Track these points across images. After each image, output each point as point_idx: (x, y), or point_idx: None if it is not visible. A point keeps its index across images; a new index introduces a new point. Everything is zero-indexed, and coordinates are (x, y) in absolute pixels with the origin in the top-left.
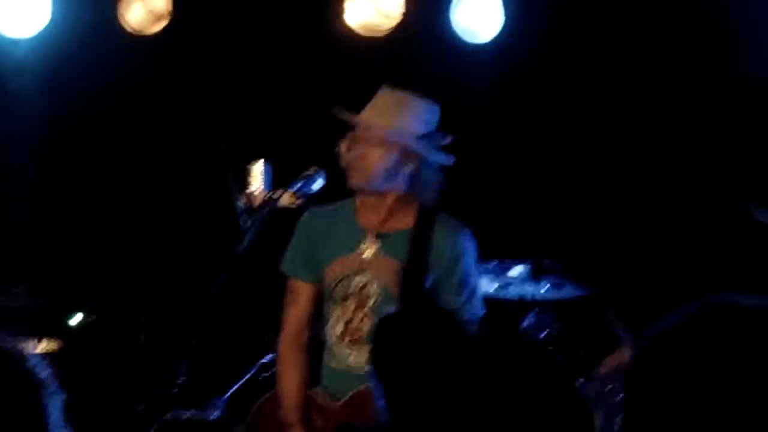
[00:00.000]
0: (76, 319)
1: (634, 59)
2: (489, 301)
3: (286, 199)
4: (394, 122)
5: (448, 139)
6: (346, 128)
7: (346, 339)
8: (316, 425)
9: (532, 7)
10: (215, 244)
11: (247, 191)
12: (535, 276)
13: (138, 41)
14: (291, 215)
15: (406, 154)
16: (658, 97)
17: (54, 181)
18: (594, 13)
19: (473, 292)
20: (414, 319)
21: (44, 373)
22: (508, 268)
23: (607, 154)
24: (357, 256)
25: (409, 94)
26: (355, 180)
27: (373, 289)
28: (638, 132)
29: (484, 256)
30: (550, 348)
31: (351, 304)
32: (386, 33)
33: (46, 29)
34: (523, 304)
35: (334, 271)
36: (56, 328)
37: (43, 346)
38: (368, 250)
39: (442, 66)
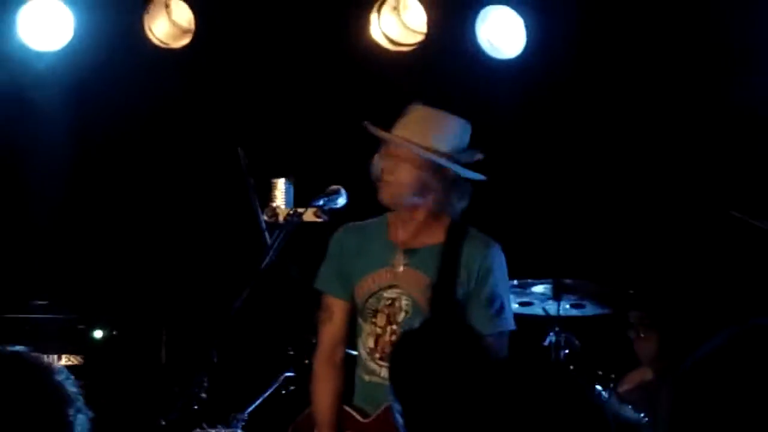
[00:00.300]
0: (99, 334)
1: (659, 72)
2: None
3: (309, 215)
4: (426, 139)
5: (479, 156)
6: (371, 145)
7: (377, 354)
8: None
9: (557, 22)
10: (238, 258)
11: (271, 206)
12: (556, 294)
13: (163, 54)
14: (314, 231)
15: (437, 171)
16: (684, 112)
17: (78, 194)
18: (617, 26)
19: (503, 306)
20: (434, 336)
21: (72, 388)
22: (530, 286)
23: (635, 171)
24: (387, 271)
25: (441, 111)
26: (385, 196)
27: (403, 303)
28: (666, 148)
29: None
30: (571, 366)
31: (381, 319)
32: (412, 48)
33: (72, 42)
34: (544, 322)
35: (365, 286)
36: (79, 343)
37: (66, 361)
38: (398, 266)
39: (467, 81)
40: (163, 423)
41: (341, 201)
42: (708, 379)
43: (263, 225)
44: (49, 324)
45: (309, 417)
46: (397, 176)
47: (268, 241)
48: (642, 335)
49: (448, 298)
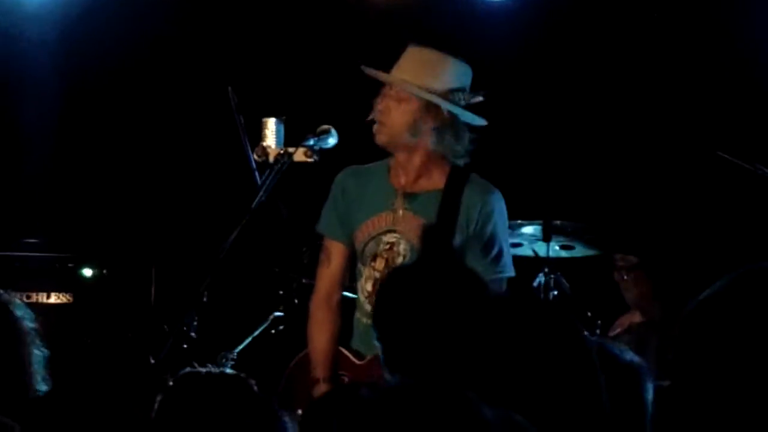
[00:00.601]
0: (88, 272)
1: (654, 13)
2: None
3: (299, 155)
4: (420, 78)
5: (478, 98)
6: (362, 86)
7: (375, 297)
8: (344, 382)
9: None
10: (229, 198)
11: (261, 146)
12: (545, 235)
13: None
14: (305, 171)
15: (429, 108)
16: (676, 52)
17: (69, 133)
18: None
19: (501, 252)
20: (417, 274)
21: (30, 324)
22: (520, 227)
23: (627, 113)
24: (387, 215)
25: (440, 52)
26: (380, 137)
27: (401, 248)
28: (658, 89)
29: None
30: (561, 307)
31: (380, 263)
32: None
33: None
34: (533, 264)
35: (364, 230)
36: (69, 281)
37: (55, 299)
38: (398, 210)
39: (461, 22)
40: (153, 362)
41: (332, 141)
42: (712, 320)
43: (253, 164)
44: (39, 262)
45: (305, 358)
46: (391, 117)
47: (259, 180)
48: (626, 278)
49: (446, 243)
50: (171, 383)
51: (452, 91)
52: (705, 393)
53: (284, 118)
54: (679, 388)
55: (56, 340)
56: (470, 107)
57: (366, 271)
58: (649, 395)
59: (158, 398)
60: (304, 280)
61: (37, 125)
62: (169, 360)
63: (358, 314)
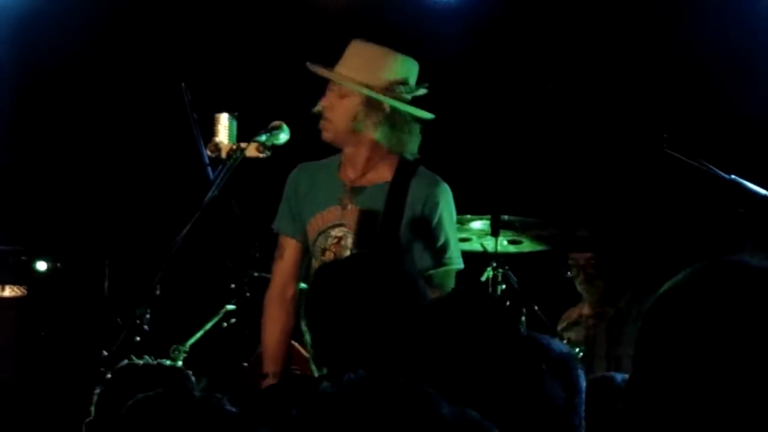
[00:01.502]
0: (42, 265)
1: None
2: None
3: (251, 150)
4: (358, 73)
5: (421, 91)
6: (312, 82)
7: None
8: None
9: None
10: (181, 192)
11: (213, 141)
12: (494, 230)
13: None
14: (256, 166)
15: (370, 103)
16: (626, 47)
17: (22, 126)
18: None
19: (448, 243)
20: (348, 268)
21: None
22: (469, 222)
23: (575, 107)
24: (335, 209)
25: (382, 47)
26: (326, 134)
27: (349, 242)
28: (607, 84)
29: None
30: (508, 302)
31: (329, 257)
32: None
33: None
34: (482, 258)
35: (314, 224)
36: (22, 274)
37: (9, 292)
38: (346, 204)
39: (409, 19)
40: (105, 354)
41: (283, 137)
42: (674, 314)
43: (206, 159)
44: None
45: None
46: (335, 113)
47: (211, 175)
48: (581, 273)
49: (392, 236)
50: (109, 376)
51: (393, 84)
52: (667, 387)
53: (236, 113)
54: (640, 382)
55: (10, 333)
56: (415, 101)
57: (316, 265)
58: (582, 384)
59: (96, 391)
60: (255, 274)
61: None
62: (122, 353)
63: None
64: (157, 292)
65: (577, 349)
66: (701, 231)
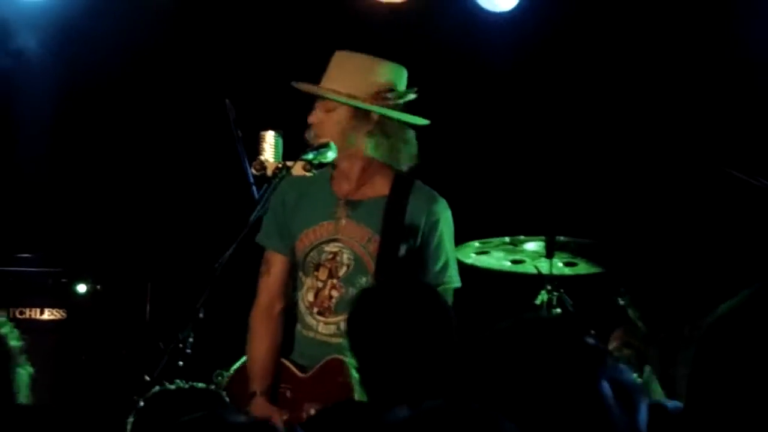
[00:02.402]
0: (82, 288)
1: (656, 26)
2: (503, 276)
3: (298, 168)
4: (342, 85)
5: (410, 96)
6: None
7: (315, 308)
8: (284, 395)
9: None
10: (226, 212)
11: (259, 159)
12: (548, 252)
13: (150, 3)
14: None
15: (357, 114)
16: (681, 66)
17: (65, 145)
18: None
19: (447, 262)
20: (392, 294)
21: (15, 343)
22: (523, 244)
23: (631, 127)
24: (329, 224)
25: (362, 55)
26: None
27: (345, 257)
28: (659, 105)
29: (499, 232)
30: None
31: (323, 273)
32: (406, 0)
33: None
34: (536, 281)
35: (305, 240)
36: (63, 297)
37: (49, 315)
38: (340, 218)
39: (460, 35)
40: (148, 379)
41: (330, 155)
42: (731, 338)
43: (251, 178)
44: (33, 277)
45: (243, 371)
46: (324, 128)
47: (256, 195)
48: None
49: (392, 253)
50: (141, 403)
51: (380, 92)
52: (723, 412)
53: (282, 131)
54: (696, 407)
55: (49, 357)
56: (407, 107)
57: (308, 282)
58: (644, 418)
59: (129, 419)
60: None
61: (32, 139)
62: (164, 377)
63: (299, 326)
64: (201, 315)
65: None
66: (758, 252)
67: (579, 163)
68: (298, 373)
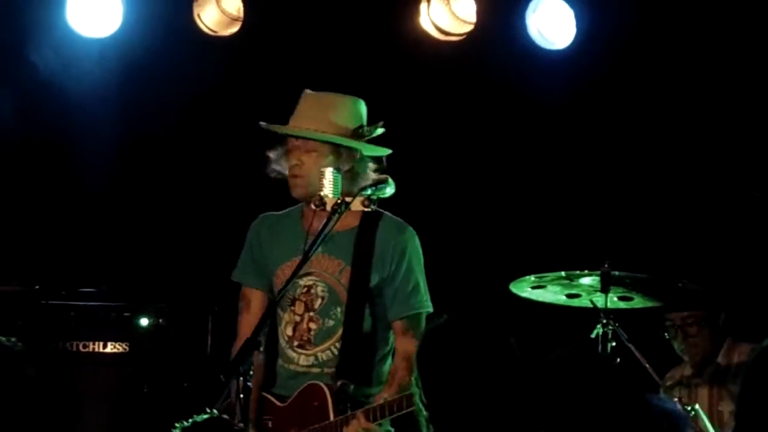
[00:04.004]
0: (144, 322)
1: (711, 63)
2: (558, 310)
3: (356, 204)
4: (321, 124)
5: (379, 130)
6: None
7: (295, 342)
8: (267, 426)
9: (609, 12)
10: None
11: (318, 195)
12: (604, 286)
13: (212, 42)
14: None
15: (340, 152)
16: (739, 101)
17: (127, 182)
18: (668, 18)
19: (418, 287)
20: (459, 335)
21: (30, 372)
22: (578, 278)
23: (686, 162)
24: (300, 259)
25: (332, 93)
26: (297, 189)
27: (319, 290)
28: (719, 139)
29: (555, 266)
30: (618, 359)
31: (299, 307)
32: (461, 38)
33: (120, 29)
34: (592, 315)
35: (281, 275)
36: (125, 330)
37: (111, 348)
38: (312, 252)
39: (516, 72)
40: (209, 411)
41: (389, 190)
42: None
43: None
44: (96, 311)
45: (229, 406)
46: (305, 169)
47: None
48: (689, 334)
49: (363, 283)
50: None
51: (357, 129)
52: None
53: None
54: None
55: (112, 390)
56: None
57: (286, 316)
58: None
59: None
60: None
61: (95, 174)
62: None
63: (280, 360)
64: (261, 348)
65: (689, 408)
66: None
67: (634, 198)
68: (278, 403)
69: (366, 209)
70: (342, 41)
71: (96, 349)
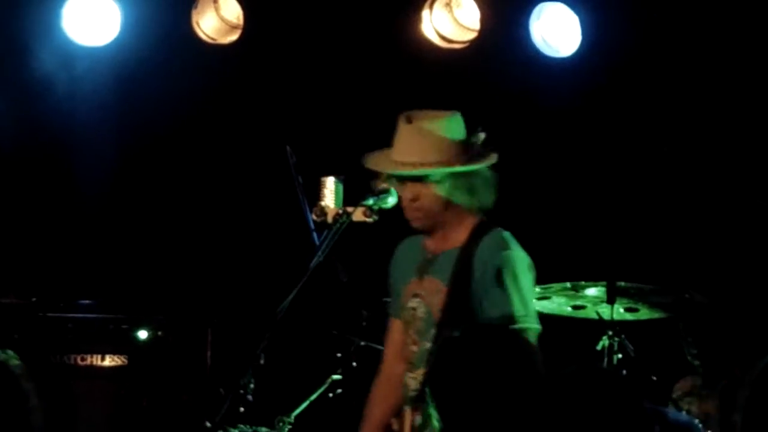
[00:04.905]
0: (143, 334)
1: (716, 70)
2: (563, 321)
3: (358, 214)
4: (432, 153)
5: (482, 136)
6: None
7: (406, 365)
8: None
9: (614, 19)
10: (286, 258)
11: (319, 205)
12: (610, 298)
13: (211, 50)
14: (363, 231)
15: (456, 178)
16: (746, 110)
17: (124, 193)
18: (673, 25)
19: (512, 306)
20: (470, 345)
21: (27, 386)
22: (584, 289)
23: (691, 171)
24: (415, 281)
25: (427, 113)
26: (417, 222)
27: (420, 312)
28: (726, 148)
29: (560, 277)
30: (624, 371)
31: (409, 329)
32: (464, 45)
33: (119, 37)
34: (597, 326)
35: (404, 299)
36: (124, 343)
37: (110, 361)
38: (422, 274)
39: (520, 80)
40: (208, 425)
41: (391, 200)
42: None
43: (312, 224)
44: (94, 324)
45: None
46: (423, 202)
47: (317, 240)
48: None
49: (457, 304)
50: None
51: (466, 147)
52: None
53: (343, 177)
54: None
55: (111, 403)
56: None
57: (407, 341)
58: None
59: None
60: (362, 343)
61: (93, 185)
62: (226, 423)
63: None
64: (262, 361)
65: (696, 420)
66: None
67: (640, 208)
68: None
69: (367, 219)
70: (343, 49)
71: (94, 362)
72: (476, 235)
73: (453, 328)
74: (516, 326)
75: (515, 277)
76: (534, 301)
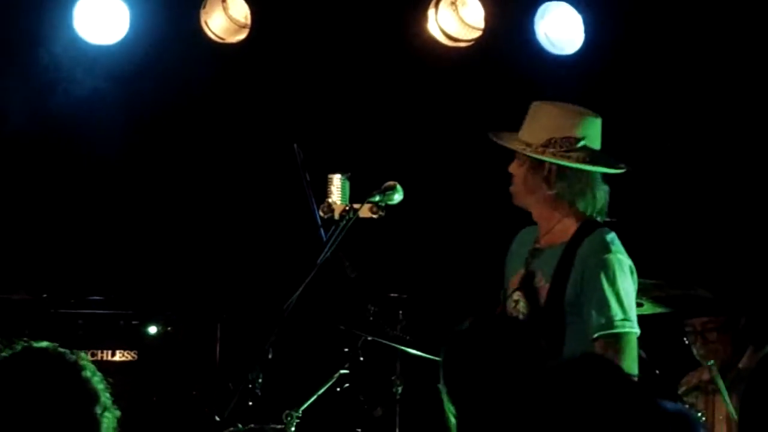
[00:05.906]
0: (153, 330)
1: (723, 69)
2: None
3: (365, 211)
4: (521, 136)
5: (580, 144)
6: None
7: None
8: None
9: (617, 18)
10: (294, 254)
11: (326, 202)
12: None
13: (219, 49)
14: (370, 227)
15: (535, 164)
16: (748, 108)
17: (133, 190)
18: (677, 24)
19: (610, 307)
20: (482, 337)
21: (100, 385)
22: None
23: (695, 166)
24: (520, 272)
25: (551, 104)
26: (514, 199)
27: (521, 305)
28: (727, 140)
29: None
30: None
31: None
32: (469, 44)
33: (127, 37)
34: None
35: (509, 289)
36: (133, 338)
37: (120, 356)
38: (528, 267)
39: (524, 78)
40: (218, 419)
41: (397, 197)
42: None
43: (319, 220)
44: (104, 319)
45: None
46: (515, 179)
47: (324, 237)
48: (709, 339)
49: (558, 301)
50: None
51: (553, 141)
52: None
53: (349, 174)
54: None
55: (121, 399)
56: (600, 157)
57: None
58: None
59: None
60: (369, 338)
61: (102, 182)
62: (234, 418)
63: None
64: (270, 356)
65: (699, 414)
66: None
67: (644, 203)
68: None
69: (374, 215)
70: (350, 48)
71: (104, 358)
72: (581, 233)
73: (548, 327)
74: (613, 331)
75: (614, 281)
76: (634, 305)
